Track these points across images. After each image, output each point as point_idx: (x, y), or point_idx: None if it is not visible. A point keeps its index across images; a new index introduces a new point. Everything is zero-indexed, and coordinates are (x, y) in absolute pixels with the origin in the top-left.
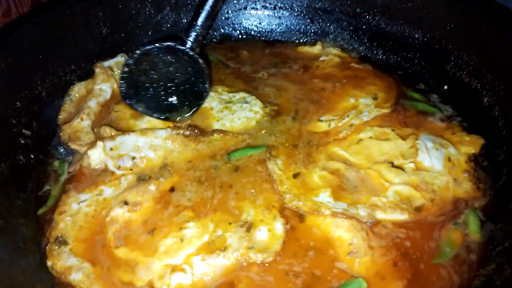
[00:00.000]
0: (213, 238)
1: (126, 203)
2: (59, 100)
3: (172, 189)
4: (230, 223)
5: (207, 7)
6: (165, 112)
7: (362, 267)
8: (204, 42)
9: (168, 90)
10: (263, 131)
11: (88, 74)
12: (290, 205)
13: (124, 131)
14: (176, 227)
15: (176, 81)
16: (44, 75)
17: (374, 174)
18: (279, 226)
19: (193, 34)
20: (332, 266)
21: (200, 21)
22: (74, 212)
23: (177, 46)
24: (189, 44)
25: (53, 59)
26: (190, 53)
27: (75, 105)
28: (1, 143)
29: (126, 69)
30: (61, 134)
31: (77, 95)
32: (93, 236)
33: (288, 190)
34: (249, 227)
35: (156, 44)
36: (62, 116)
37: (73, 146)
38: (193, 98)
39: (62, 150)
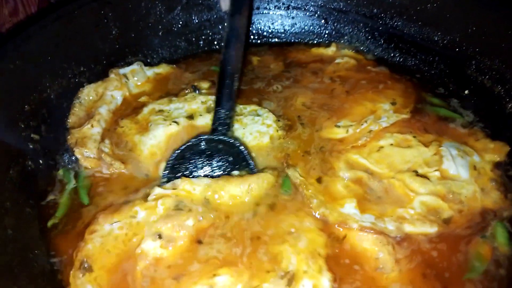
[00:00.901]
0: None
1: (160, 236)
2: (68, 103)
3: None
4: (268, 272)
5: (226, 90)
6: None
7: (390, 282)
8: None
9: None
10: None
11: (97, 76)
12: (317, 212)
13: (130, 148)
14: (207, 274)
15: (216, 165)
16: (53, 77)
17: (398, 183)
18: (326, 283)
19: (220, 120)
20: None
21: (223, 105)
22: (106, 234)
23: (210, 137)
24: (220, 131)
25: (62, 61)
26: (224, 138)
27: (84, 109)
28: (10, 148)
29: (167, 168)
30: (68, 137)
31: (86, 98)
32: (119, 266)
33: (314, 195)
34: (291, 279)
35: (191, 140)
36: (71, 119)
37: (77, 153)
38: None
39: (69, 157)
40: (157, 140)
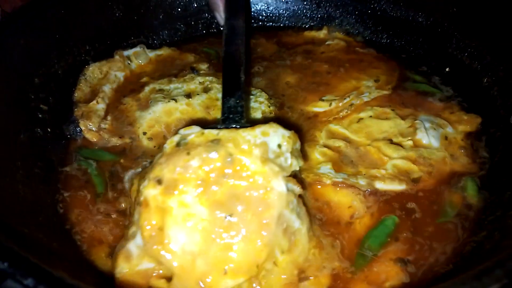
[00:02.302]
0: None
1: None
2: (74, 79)
3: None
4: None
5: (231, 81)
6: None
7: (363, 226)
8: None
9: None
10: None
11: (102, 55)
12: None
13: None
14: None
15: None
16: (60, 54)
17: (373, 150)
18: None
19: (231, 109)
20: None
21: (231, 94)
22: None
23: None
24: (232, 119)
25: (68, 39)
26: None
27: (89, 85)
28: (21, 116)
29: None
30: (75, 110)
31: (91, 75)
32: None
33: None
34: None
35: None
36: (77, 94)
37: (81, 125)
38: None
39: (74, 128)
40: (155, 114)
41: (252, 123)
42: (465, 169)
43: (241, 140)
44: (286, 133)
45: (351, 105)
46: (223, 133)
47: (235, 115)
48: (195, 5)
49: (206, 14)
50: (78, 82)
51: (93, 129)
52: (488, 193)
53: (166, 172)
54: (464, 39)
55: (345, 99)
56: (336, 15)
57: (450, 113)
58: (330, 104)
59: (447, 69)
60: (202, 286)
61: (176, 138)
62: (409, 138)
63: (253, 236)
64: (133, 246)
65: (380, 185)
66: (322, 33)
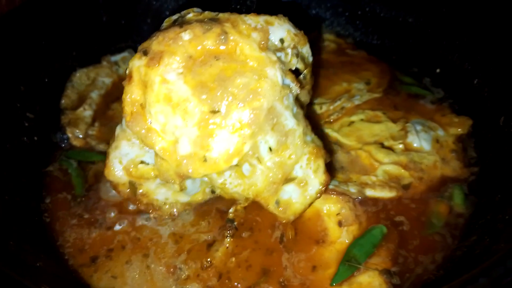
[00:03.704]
0: None
1: None
2: (61, 85)
3: None
4: None
5: None
6: None
7: (350, 234)
8: None
9: None
10: None
11: (89, 61)
12: None
13: None
14: None
15: None
16: (46, 60)
17: (364, 154)
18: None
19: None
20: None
21: None
22: None
23: None
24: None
25: (54, 45)
26: None
27: (76, 91)
28: (7, 125)
29: None
30: (62, 117)
31: (78, 81)
32: None
33: None
34: None
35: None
36: (64, 101)
37: (68, 132)
38: None
39: (61, 135)
40: None
41: None
42: (455, 174)
43: (241, 22)
44: (293, 29)
45: (342, 108)
46: (224, 14)
47: (242, 7)
48: (184, 8)
49: None
50: (65, 89)
51: (80, 136)
52: (477, 197)
53: (154, 43)
54: (455, 40)
55: (336, 102)
56: (326, 16)
57: (441, 116)
58: (321, 108)
59: (437, 70)
60: (182, 172)
61: (174, 17)
62: (400, 141)
63: (237, 124)
64: (119, 129)
65: (370, 193)
66: (312, 35)
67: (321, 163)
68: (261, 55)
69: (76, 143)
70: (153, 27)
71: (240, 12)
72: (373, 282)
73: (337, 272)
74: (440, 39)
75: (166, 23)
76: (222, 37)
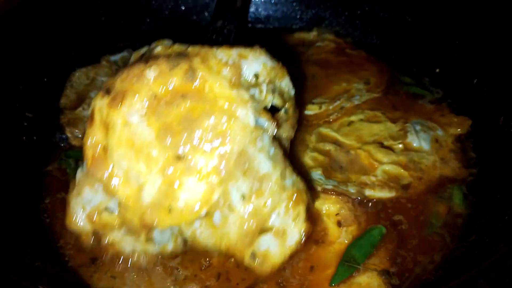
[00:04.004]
0: None
1: None
2: (60, 85)
3: None
4: None
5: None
6: None
7: (349, 235)
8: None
9: None
10: None
11: (88, 60)
12: None
13: None
14: None
15: None
16: (45, 60)
17: (363, 154)
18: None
19: (216, 31)
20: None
21: (220, 17)
22: None
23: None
24: (214, 40)
25: (53, 45)
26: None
27: (76, 91)
28: (6, 125)
29: None
30: (61, 117)
31: (77, 81)
32: None
33: None
34: None
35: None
36: (63, 101)
37: (67, 132)
38: None
39: (60, 135)
40: None
41: None
42: (454, 174)
43: (211, 56)
44: (270, 62)
45: (342, 108)
46: (193, 48)
47: (218, 37)
48: (183, 8)
49: (194, 17)
50: (64, 89)
51: (79, 136)
52: (476, 198)
53: (118, 81)
54: (454, 40)
55: (335, 102)
56: (325, 15)
57: (440, 116)
58: (320, 107)
59: (437, 70)
60: (147, 222)
61: (143, 50)
62: (400, 141)
63: (204, 171)
64: (80, 174)
65: (370, 193)
66: (312, 35)
67: (301, 210)
68: (232, 94)
69: (75, 143)
70: (152, 27)
71: (216, 42)
72: (372, 283)
73: (336, 272)
74: (439, 39)
75: (134, 56)
76: (190, 74)
